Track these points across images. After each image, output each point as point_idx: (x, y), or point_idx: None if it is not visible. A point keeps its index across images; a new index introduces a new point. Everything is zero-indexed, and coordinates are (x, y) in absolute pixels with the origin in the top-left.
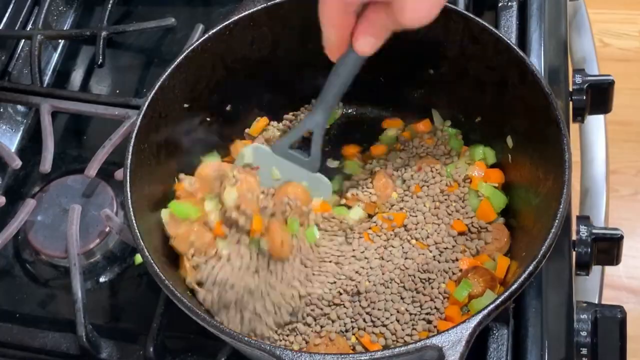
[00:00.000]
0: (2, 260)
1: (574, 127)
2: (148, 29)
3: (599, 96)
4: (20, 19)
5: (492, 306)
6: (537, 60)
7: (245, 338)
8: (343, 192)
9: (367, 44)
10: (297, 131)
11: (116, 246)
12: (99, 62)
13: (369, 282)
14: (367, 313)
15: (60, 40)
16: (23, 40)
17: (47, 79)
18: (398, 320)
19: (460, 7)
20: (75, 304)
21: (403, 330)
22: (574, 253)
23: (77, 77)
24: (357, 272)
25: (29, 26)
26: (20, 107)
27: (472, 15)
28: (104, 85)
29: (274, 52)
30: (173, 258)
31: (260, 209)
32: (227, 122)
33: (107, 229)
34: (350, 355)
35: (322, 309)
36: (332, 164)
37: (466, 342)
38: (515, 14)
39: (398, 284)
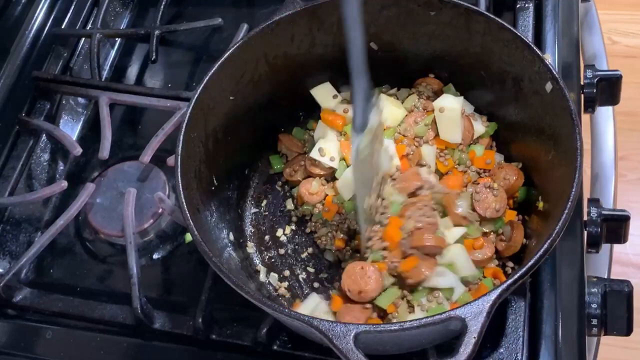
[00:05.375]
0: (64, 239)
1: (585, 118)
2: (197, 28)
3: (608, 89)
4: (81, 19)
5: (510, 281)
6: (551, 56)
7: (285, 310)
8: None
9: None
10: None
11: (168, 226)
12: (153, 59)
13: None
14: None
15: (117, 39)
16: (83, 39)
17: (105, 74)
18: None
19: (482, 8)
20: (131, 279)
21: None
22: (585, 232)
23: (132, 72)
24: None
25: (89, 25)
26: (80, 99)
27: (492, 16)
28: (157, 80)
29: (312, 49)
30: (220, 237)
31: None
32: (268, 111)
33: (160, 211)
34: (382, 325)
35: None
36: None
37: (487, 314)
38: (531, 14)
39: None
